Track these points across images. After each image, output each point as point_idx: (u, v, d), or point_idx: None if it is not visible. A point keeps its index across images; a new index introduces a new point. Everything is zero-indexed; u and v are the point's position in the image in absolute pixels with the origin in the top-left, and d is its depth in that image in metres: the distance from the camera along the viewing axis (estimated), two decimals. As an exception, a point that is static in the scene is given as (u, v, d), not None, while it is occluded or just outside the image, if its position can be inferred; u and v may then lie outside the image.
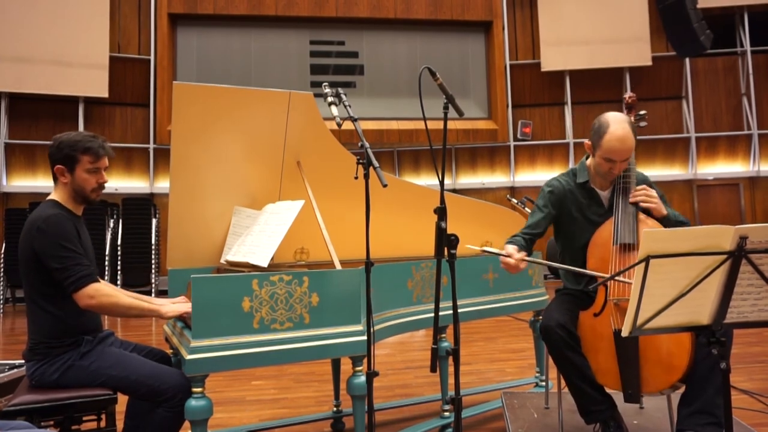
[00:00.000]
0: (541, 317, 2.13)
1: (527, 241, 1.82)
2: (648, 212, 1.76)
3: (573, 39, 8.27)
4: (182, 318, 1.71)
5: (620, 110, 1.89)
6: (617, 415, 1.68)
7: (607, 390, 1.69)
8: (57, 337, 1.55)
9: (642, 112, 1.91)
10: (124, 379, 1.54)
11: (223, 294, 1.44)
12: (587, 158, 1.86)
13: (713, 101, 8.69)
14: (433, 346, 1.38)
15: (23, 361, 1.63)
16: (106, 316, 5.98)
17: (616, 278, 1.64)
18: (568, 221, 1.85)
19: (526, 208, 3.10)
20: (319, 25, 8.14)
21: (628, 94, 1.94)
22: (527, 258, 1.68)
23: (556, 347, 1.65)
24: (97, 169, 1.63)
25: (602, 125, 1.74)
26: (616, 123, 1.71)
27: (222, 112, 1.84)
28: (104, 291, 1.54)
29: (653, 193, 1.73)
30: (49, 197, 1.65)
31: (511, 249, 1.68)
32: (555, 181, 1.89)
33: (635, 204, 1.74)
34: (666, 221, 1.74)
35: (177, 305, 1.65)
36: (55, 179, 1.65)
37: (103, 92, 7.41)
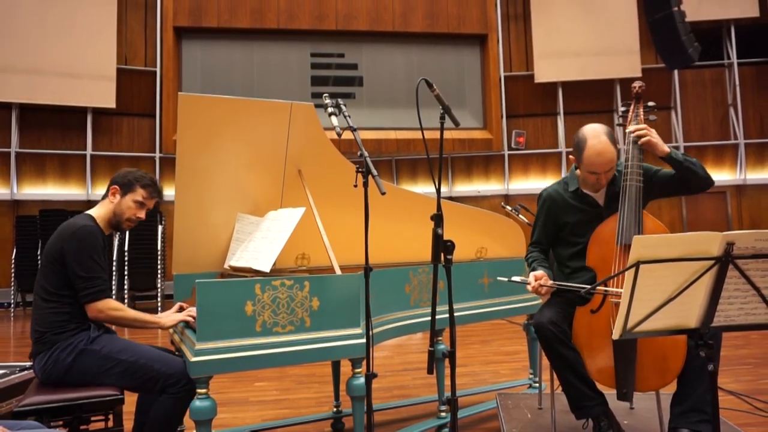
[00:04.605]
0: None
1: (544, 253, 1.93)
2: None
3: (565, 51, 8.42)
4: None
5: (619, 113, 1.88)
6: (609, 412, 1.70)
7: (600, 387, 1.71)
8: (64, 326, 1.62)
9: (650, 104, 1.82)
10: (134, 363, 1.59)
11: (227, 298, 1.47)
12: (576, 168, 1.88)
13: (701, 112, 8.85)
14: (430, 349, 1.41)
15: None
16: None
17: (612, 284, 1.65)
18: (564, 227, 1.89)
19: (520, 215, 3.16)
20: (320, 38, 8.24)
21: (638, 84, 1.84)
22: (546, 284, 1.72)
23: (548, 342, 1.69)
24: (142, 204, 1.78)
25: (580, 141, 1.76)
26: (594, 138, 1.72)
27: (225, 122, 1.89)
28: (112, 306, 1.65)
29: (653, 131, 1.72)
30: (87, 212, 1.75)
31: (538, 275, 1.75)
32: (547, 191, 1.94)
33: (636, 141, 1.72)
34: (672, 162, 1.71)
35: (175, 315, 1.75)
36: (104, 197, 1.78)
37: (111, 103, 7.50)
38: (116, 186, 1.76)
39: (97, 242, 1.65)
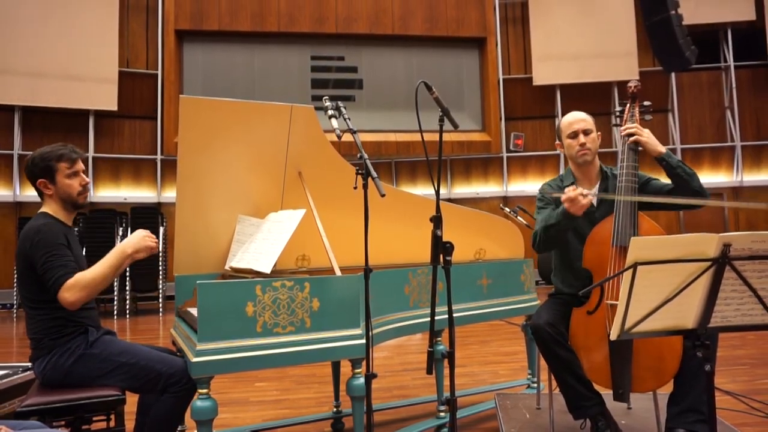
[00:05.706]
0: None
1: None
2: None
3: (563, 54, 8.47)
4: (185, 318, 1.77)
5: (615, 114, 1.95)
6: (606, 412, 1.72)
7: (597, 388, 1.73)
8: (60, 331, 1.60)
9: (646, 103, 1.84)
10: (135, 365, 1.59)
11: (228, 299, 1.48)
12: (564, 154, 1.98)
13: (698, 114, 8.91)
14: (429, 349, 1.41)
15: (33, 365, 1.67)
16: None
17: (608, 287, 1.67)
18: None
19: (519, 217, 3.19)
20: (320, 41, 8.28)
21: (634, 83, 1.85)
22: (589, 193, 1.62)
23: (545, 343, 1.71)
24: (75, 173, 1.69)
25: (559, 121, 1.95)
26: (571, 112, 1.94)
27: (226, 124, 1.90)
28: (77, 283, 1.53)
29: (645, 131, 1.73)
30: (40, 210, 1.71)
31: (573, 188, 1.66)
32: (545, 187, 1.98)
33: (628, 137, 1.75)
34: (665, 164, 1.71)
35: (139, 243, 1.64)
36: (41, 195, 1.71)
37: (113, 105, 7.54)
38: (40, 180, 1.67)
39: (51, 236, 1.58)
